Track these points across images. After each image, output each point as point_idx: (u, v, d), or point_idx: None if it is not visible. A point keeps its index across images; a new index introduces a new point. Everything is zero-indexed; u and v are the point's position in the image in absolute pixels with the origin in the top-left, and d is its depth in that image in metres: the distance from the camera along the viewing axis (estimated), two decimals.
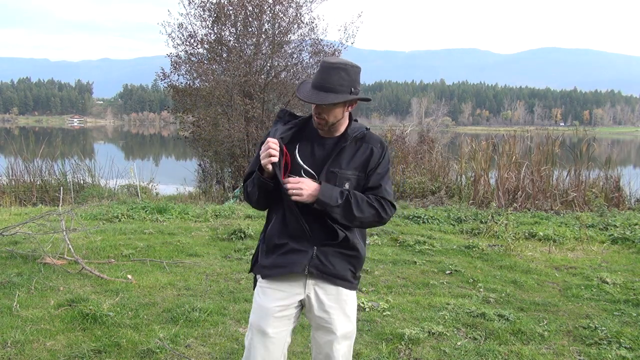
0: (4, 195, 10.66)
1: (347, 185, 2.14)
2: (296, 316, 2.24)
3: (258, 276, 2.26)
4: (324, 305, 2.18)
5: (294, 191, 2.05)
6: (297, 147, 2.19)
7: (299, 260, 2.14)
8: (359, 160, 2.16)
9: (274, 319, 2.16)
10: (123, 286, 4.62)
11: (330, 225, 2.13)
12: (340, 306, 2.20)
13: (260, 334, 2.16)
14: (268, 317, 2.15)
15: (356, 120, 2.24)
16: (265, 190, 2.13)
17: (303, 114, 2.28)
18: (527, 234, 7.21)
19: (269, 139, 2.07)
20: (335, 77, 2.02)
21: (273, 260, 2.18)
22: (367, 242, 2.34)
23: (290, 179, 2.09)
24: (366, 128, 2.21)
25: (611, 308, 4.37)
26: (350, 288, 2.24)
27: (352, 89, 2.06)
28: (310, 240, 2.14)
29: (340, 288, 2.20)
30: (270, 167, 2.05)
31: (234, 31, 13.36)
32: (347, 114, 2.16)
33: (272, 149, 2.03)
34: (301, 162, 2.17)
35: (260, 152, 2.08)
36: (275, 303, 2.17)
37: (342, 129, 2.18)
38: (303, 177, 2.14)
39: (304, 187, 2.06)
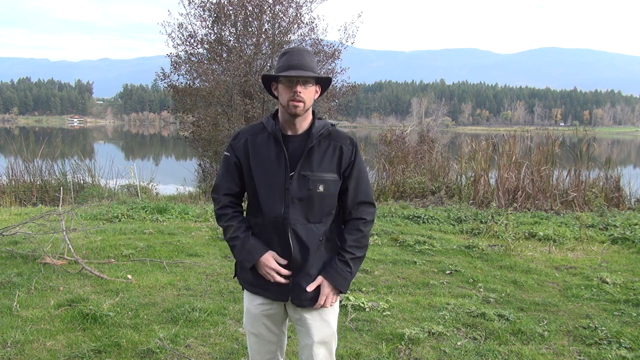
0: (4, 195, 10.66)
1: (321, 188, 2.08)
2: (285, 312, 2.27)
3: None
4: (302, 311, 2.19)
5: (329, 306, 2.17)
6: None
7: (280, 292, 2.15)
8: (331, 161, 2.11)
9: (263, 323, 2.24)
10: (123, 286, 4.62)
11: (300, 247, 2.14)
12: (318, 312, 2.19)
13: (253, 336, 2.28)
14: (257, 321, 2.25)
15: (320, 118, 2.20)
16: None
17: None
18: (527, 234, 7.21)
19: (276, 269, 2.11)
20: (309, 59, 2.11)
21: (253, 279, 2.19)
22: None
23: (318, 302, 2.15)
24: (331, 124, 2.17)
25: (611, 308, 4.37)
26: None
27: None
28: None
29: None
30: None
31: (234, 31, 13.35)
32: (311, 106, 2.17)
33: (278, 275, 2.11)
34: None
35: (266, 271, 2.12)
36: (261, 308, 2.23)
37: (306, 124, 2.13)
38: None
39: (329, 298, 2.15)
